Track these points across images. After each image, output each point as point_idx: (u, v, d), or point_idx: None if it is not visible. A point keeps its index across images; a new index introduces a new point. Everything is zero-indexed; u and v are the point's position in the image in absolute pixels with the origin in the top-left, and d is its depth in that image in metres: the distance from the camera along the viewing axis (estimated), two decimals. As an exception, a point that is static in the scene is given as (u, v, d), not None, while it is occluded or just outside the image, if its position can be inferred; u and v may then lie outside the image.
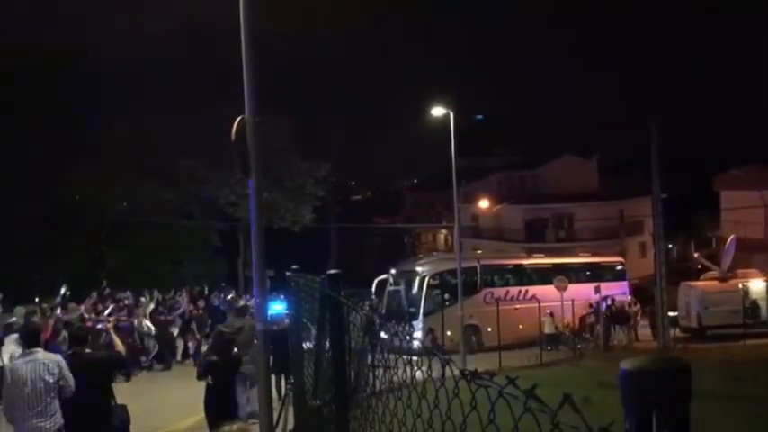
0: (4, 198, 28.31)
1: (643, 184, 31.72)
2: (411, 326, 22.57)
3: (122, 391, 7.85)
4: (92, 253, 33.25)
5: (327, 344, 3.83)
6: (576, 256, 32.60)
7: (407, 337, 2.41)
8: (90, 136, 29.74)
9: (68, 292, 17.32)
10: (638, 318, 28.68)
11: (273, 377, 10.44)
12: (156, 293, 20.94)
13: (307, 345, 5.80)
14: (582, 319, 26.87)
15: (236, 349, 8.77)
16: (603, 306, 26.10)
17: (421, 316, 24.78)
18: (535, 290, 26.63)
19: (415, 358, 2.24)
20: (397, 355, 2.53)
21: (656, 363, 1.22)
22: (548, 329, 25.04)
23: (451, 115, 22.24)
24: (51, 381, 6.26)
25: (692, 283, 28.53)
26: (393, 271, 27.70)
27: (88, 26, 28.75)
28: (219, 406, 7.73)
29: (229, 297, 23.43)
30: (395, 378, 2.52)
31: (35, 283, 21.85)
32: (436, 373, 1.91)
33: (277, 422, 7.47)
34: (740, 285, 26.66)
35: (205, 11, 25.13)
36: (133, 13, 29.39)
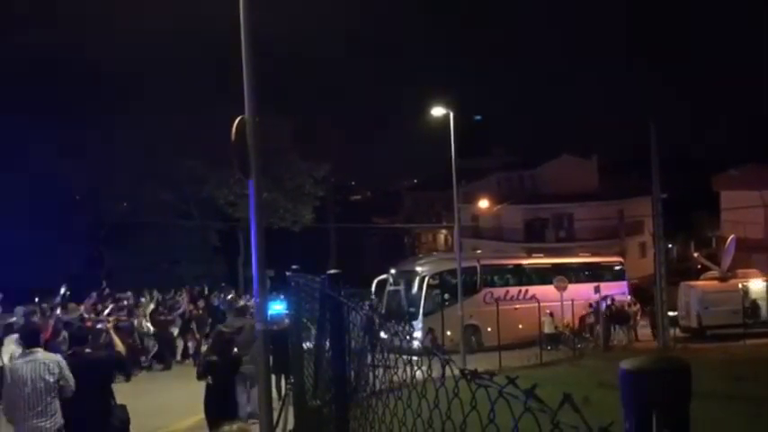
0: (3, 198, 28.31)
1: (642, 184, 31.75)
2: (411, 326, 22.58)
3: (122, 391, 7.85)
4: (90, 253, 33.27)
5: (327, 344, 3.83)
6: (576, 256, 32.61)
7: (407, 337, 2.41)
8: (90, 136, 29.74)
9: (68, 293, 17.30)
10: (638, 318, 28.69)
11: (273, 377, 10.45)
12: (156, 294, 20.94)
13: (307, 345, 5.80)
14: (581, 318, 26.87)
15: (235, 349, 8.77)
16: (603, 306, 26.11)
17: (421, 316, 24.78)
18: (535, 290, 26.63)
19: (414, 358, 2.24)
20: (397, 355, 2.53)
21: (656, 363, 1.22)
22: (547, 329, 25.04)
23: (451, 115, 22.25)
24: (52, 381, 6.26)
25: (692, 282, 28.53)
26: (393, 271, 27.69)
27: (88, 26, 28.69)
28: (219, 406, 7.73)
29: (229, 297, 23.42)
30: (395, 378, 2.53)
31: (35, 284, 21.83)
32: (436, 373, 1.91)
33: (277, 422, 7.47)
34: (740, 285, 26.67)
35: (205, 11, 25.11)
36: (133, 12, 29.35)
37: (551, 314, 25.18)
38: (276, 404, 8.44)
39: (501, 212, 44.66)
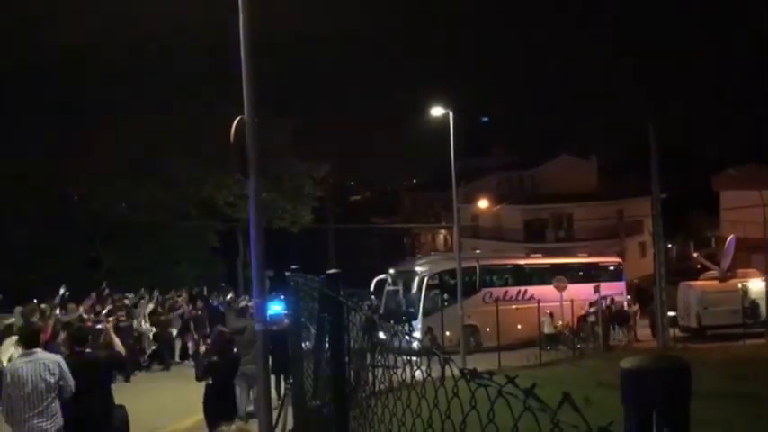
0: (3, 198, 28.31)
1: (642, 184, 31.75)
2: (410, 326, 22.57)
3: (122, 392, 7.86)
4: (88, 253, 33.25)
5: (327, 344, 3.82)
6: (574, 256, 32.63)
7: (407, 337, 2.41)
8: (90, 136, 29.72)
9: (68, 293, 17.26)
10: (637, 317, 28.71)
11: (273, 377, 10.45)
12: (156, 294, 20.91)
13: (306, 345, 5.80)
14: (579, 319, 26.88)
15: (235, 349, 8.77)
16: (603, 306, 26.11)
17: (420, 316, 24.78)
18: (534, 290, 26.63)
19: (414, 358, 2.23)
20: (397, 355, 2.53)
21: (656, 362, 1.22)
22: (547, 329, 25.04)
23: (450, 115, 22.27)
24: (52, 381, 6.26)
25: (692, 282, 28.55)
26: (392, 271, 27.70)
27: (88, 26, 28.66)
28: (219, 406, 7.73)
29: (228, 297, 23.39)
30: (394, 378, 2.52)
31: (34, 284, 21.81)
32: (435, 373, 1.91)
33: (276, 422, 7.48)
34: (739, 285, 26.68)
35: (205, 11, 25.12)
36: (133, 12, 29.34)
37: (551, 314, 25.18)
38: (276, 404, 8.45)
39: (500, 212, 44.68)
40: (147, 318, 18.20)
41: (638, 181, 36.39)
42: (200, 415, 8.40)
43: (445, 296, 25.04)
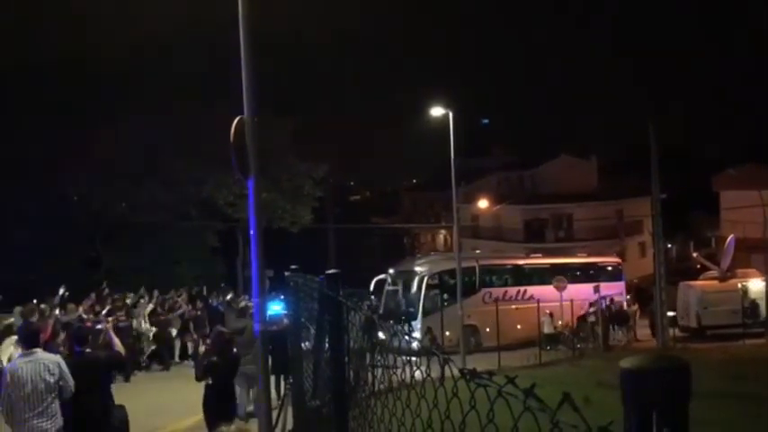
0: (3, 198, 28.29)
1: (641, 184, 31.77)
2: (410, 326, 22.54)
3: (122, 392, 7.86)
4: (88, 254, 33.24)
5: (326, 344, 3.82)
6: (573, 256, 32.64)
7: (406, 337, 2.41)
8: (90, 136, 29.73)
9: (67, 293, 17.26)
10: (637, 317, 28.72)
11: (273, 377, 10.45)
12: (156, 294, 20.91)
13: (306, 345, 5.79)
14: (579, 319, 26.89)
15: (235, 349, 8.77)
16: (602, 306, 26.12)
17: (420, 316, 24.78)
18: (534, 290, 26.63)
19: (414, 358, 2.23)
20: (396, 355, 2.52)
21: (656, 362, 1.22)
22: (547, 329, 25.05)
23: (450, 115, 22.26)
24: (52, 381, 6.25)
25: (692, 282, 28.56)
26: (391, 271, 27.70)
27: (88, 26, 28.65)
28: (219, 406, 7.73)
29: (228, 297, 23.39)
30: (394, 378, 2.52)
31: (34, 284, 21.80)
32: (435, 373, 1.91)
33: (276, 422, 7.48)
34: (739, 285, 26.70)
35: (205, 11, 25.10)
36: (133, 12, 29.34)
37: (551, 314, 25.18)
38: (275, 404, 8.45)
39: (500, 213, 44.68)
40: (146, 318, 18.20)
41: (637, 181, 36.40)
42: (200, 415, 8.40)
43: (445, 296, 25.04)
